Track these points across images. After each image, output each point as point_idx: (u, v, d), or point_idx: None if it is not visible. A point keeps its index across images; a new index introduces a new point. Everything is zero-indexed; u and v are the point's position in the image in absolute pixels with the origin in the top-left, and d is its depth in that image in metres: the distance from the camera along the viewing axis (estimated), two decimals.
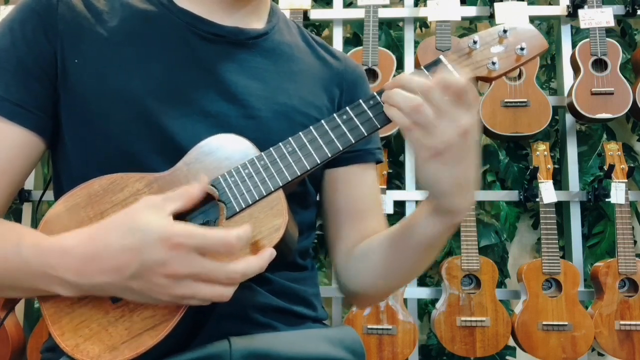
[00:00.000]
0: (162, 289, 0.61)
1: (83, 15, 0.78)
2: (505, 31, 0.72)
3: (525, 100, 2.06)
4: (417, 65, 2.17)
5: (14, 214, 2.26)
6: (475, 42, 0.71)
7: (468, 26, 2.57)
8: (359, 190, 0.90)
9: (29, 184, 2.15)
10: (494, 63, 0.71)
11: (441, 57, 0.71)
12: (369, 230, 0.88)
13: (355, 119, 0.69)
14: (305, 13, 2.20)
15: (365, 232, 0.88)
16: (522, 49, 0.71)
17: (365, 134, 0.69)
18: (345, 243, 0.89)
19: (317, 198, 0.93)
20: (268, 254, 0.64)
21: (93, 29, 0.77)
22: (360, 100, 0.70)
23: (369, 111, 0.69)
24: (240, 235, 0.61)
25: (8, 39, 0.75)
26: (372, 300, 0.93)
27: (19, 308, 2.15)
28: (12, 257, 0.66)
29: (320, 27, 2.56)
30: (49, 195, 0.85)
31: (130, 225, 0.61)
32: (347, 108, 0.70)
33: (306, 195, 0.86)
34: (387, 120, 0.69)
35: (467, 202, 0.71)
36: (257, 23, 0.86)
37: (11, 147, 0.73)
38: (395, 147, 2.37)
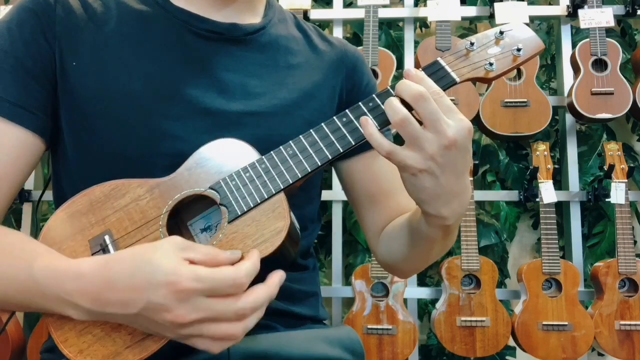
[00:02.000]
0: (167, 330, 0.61)
1: (80, 16, 0.77)
2: (501, 32, 0.72)
3: (525, 100, 2.06)
4: (417, 65, 2.17)
5: (14, 214, 2.26)
6: (472, 44, 0.72)
7: (468, 26, 2.57)
8: (377, 173, 0.91)
9: (29, 184, 2.15)
10: (491, 64, 0.71)
11: (439, 59, 0.71)
12: (396, 208, 0.90)
13: (355, 122, 0.69)
14: (305, 13, 2.20)
15: (393, 211, 0.90)
16: (518, 49, 0.71)
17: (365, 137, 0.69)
18: (374, 224, 0.91)
19: (326, 196, 0.95)
20: (277, 279, 0.64)
21: (90, 31, 0.77)
22: (360, 103, 0.70)
23: (368, 114, 0.69)
24: (249, 271, 0.61)
25: (6, 39, 0.75)
26: (408, 272, 0.93)
27: None
28: (23, 279, 0.64)
29: (320, 27, 2.55)
30: (48, 195, 0.85)
31: (142, 260, 0.60)
32: (347, 110, 0.70)
33: (309, 189, 0.86)
34: (386, 124, 0.69)
35: (455, 209, 0.69)
36: (253, 17, 0.86)
37: (12, 148, 0.73)
38: None
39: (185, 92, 0.77)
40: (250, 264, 0.61)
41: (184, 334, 0.60)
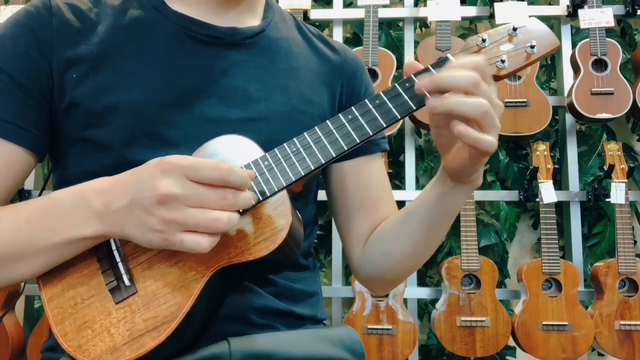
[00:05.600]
0: (155, 218, 0.60)
1: (77, 28, 0.76)
2: (515, 29, 0.71)
3: (525, 100, 2.06)
4: None
5: None
6: (484, 40, 0.71)
7: (468, 26, 2.57)
8: (368, 180, 0.90)
9: (29, 184, 2.15)
10: (503, 61, 0.70)
11: (449, 56, 0.70)
12: (382, 218, 0.89)
13: (360, 119, 0.68)
14: (305, 13, 2.20)
15: (378, 220, 0.89)
16: (532, 46, 0.70)
17: (371, 134, 0.68)
18: (359, 233, 0.89)
19: (325, 194, 0.94)
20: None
21: (88, 42, 0.76)
22: (366, 100, 0.69)
23: (374, 110, 0.68)
24: (232, 166, 0.61)
25: None
26: (390, 284, 0.93)
27: (19, 308, 2.15)
28: (40, 203, 0.68)
29: (320, 27, 2.56)
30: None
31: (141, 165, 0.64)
32: (352, 108, 0.69)
33: (307, 193, 0.86)
34: (392, 120, 0.68)
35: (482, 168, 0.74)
36: (252, 20, 0.86)
37: (2, 166, 0.73)
38: (395, 147, 2.37)
39: (186, 99, 0.76)
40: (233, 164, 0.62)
41: (169, 217, 0.59)
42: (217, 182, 0.60)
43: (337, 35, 2.27)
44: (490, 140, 0.64)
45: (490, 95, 0.65)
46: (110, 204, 0.63)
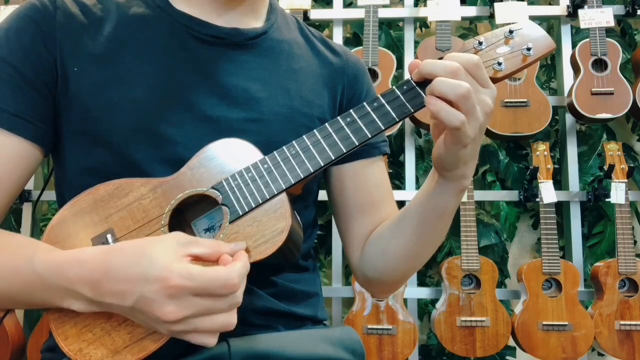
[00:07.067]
0: (161, 325, 0.60)
1: (81, 22, 0.77)
2: (511, 32, 0.72)
3: (525, 100, 2.06)
4: None
5: (14, 214, 2.26)
6: (480, 43, 0.71)
7: (468, 26, 2.57)
8: (368, 183, 0.90)
9: (29, 184, 2.14)
10: (499, 63, 0.70)
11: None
12: (382, 220, 0.89)
13: (358, 121, 0.69)
14: (305, 13, 2.20)
15: (378, 222, 0.89)
16: (528, 49, 0.71)
17: (369, 136, 0.69)
18: (359, 234, 0.89)
19: (326, 196, 0.94)
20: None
21: (91, 37, 0.76)
22: (365, 103, 0.70)
23: (372, 113, 0.69)
24: (241, 272, 0.61)
25: (5, 48, 0.74)
26: (389, 287, 0.93)
27: None
28: (26, 273, 0.65)
29: (320, 27, 2.56)
30: (48, 195, 0.85)
31: (142, 254, 0.60)
32: (351, 110, 0.70)
33: (307, 196, 0.86)
34: (390, 123, 0.69)
35: (473, 167, 0.74)
36: (255, 22, 0.86)
37: (10, 158, 0.73)
38: (395, 147, 2.37)
39: (187, 98, 0.76)
40: (242, 265, 0.61)
41: (176, 330, 0.60)
42: (226, 295, 0.60)
43: (337, 35, 2.27)
44: (458, 116, 0.65)
45: (475, 87, 0.66)
46: (103, 297, 0.61)
